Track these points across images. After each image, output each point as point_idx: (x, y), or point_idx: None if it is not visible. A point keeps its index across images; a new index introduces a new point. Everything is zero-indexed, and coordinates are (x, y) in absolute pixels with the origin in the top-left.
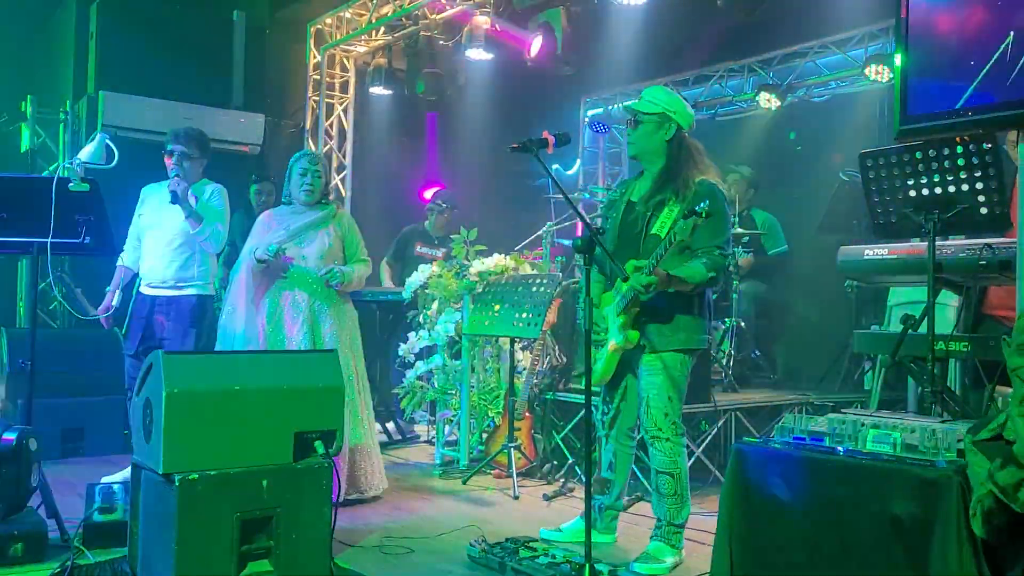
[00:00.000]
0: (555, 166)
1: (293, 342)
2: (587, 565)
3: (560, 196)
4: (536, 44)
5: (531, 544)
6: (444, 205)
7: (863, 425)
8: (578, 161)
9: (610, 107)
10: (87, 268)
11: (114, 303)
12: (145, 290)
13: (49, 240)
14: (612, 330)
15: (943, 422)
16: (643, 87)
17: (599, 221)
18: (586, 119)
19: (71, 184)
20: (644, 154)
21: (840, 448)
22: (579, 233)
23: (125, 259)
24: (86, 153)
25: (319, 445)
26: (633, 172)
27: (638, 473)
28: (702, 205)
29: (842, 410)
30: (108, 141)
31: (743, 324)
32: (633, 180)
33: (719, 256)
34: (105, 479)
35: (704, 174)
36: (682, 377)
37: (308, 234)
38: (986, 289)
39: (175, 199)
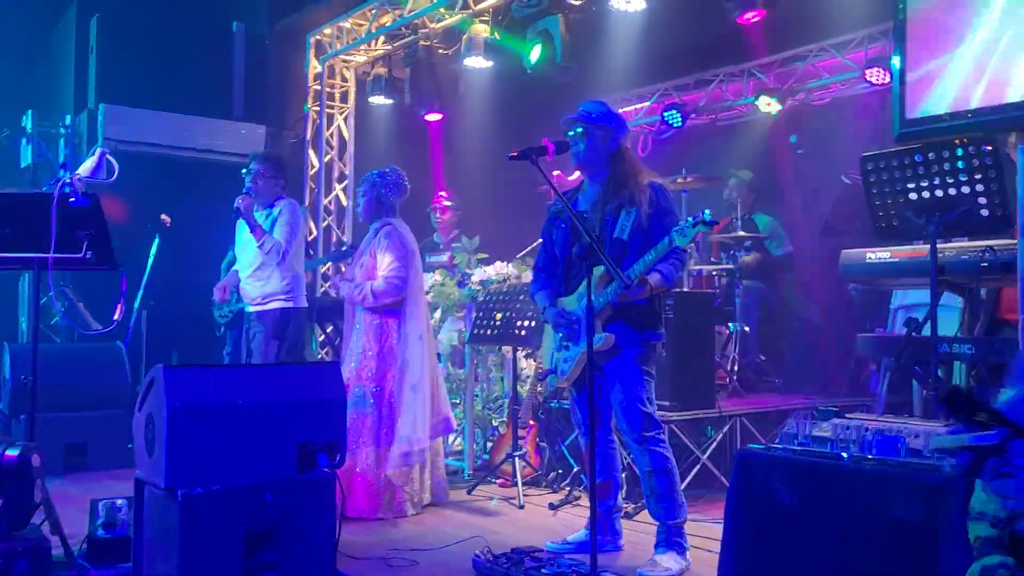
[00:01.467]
0: (556, 172)
1: None
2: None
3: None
4: (535, 52)
5: (536, 555)
6: (446, 203)
7: (867, 430)
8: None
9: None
10: (89, 282)
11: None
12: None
13: (51, 256)
14: (581, 333)
15: (947, 426)
16: (644, 92)
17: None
18: None
19: (71, 199)
20: (590, 165)
21: (844, 454)
22: None
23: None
24: (85, 168)
25: (322, 457)
26: None
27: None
28: (707, 213)
29: (847, 415)
30: (108, 155)
31: (747, 329)
32: (574, 193)
33: (683, 253)
34: None
35: (650, 177)
36: (651, 371)
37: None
38: (999, 292)
39: (237, 214)
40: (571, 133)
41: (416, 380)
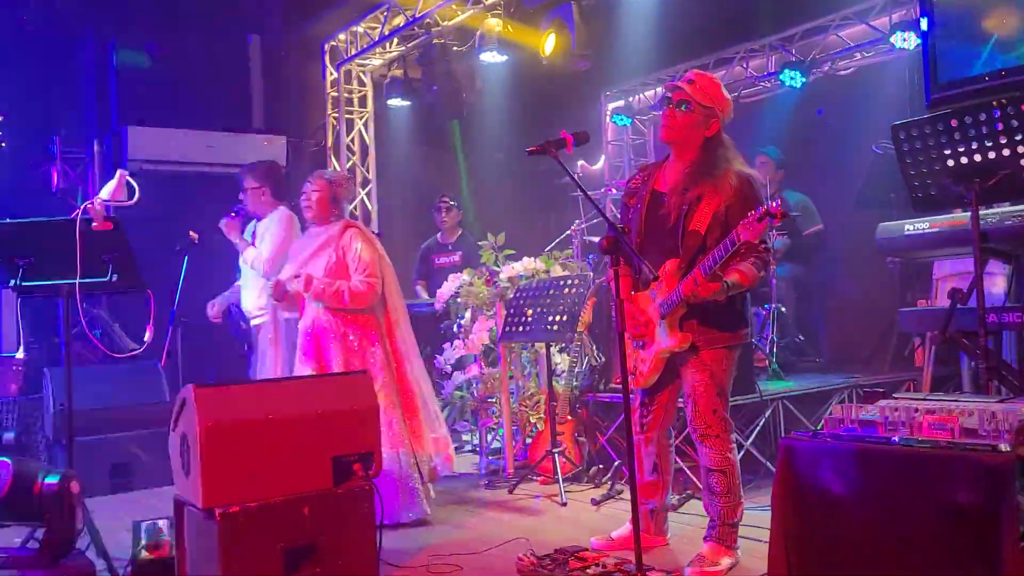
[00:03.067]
0: (580, 162)
1: None
2: (638, 575)
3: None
4: (550, 42)
5: (581, 554)
6: (451, 203)
7: (917, 411)
8: (603, 157)
9: (630, 99)
10: (126, 303)
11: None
12: None
13: (77, 281)
14: (659, 332)
15: (1001, 401)
16: (663, 76)
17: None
18: (608, 113)
19: (93, 223)
20: (681, 142)
21: (894, 437)
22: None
23: None
24: (107, 191)
25: (358, 468)
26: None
27: (687, 471)
28: (776, 205)
29: (894, 395)
30: (128, 178)
31: (784, 309)
32: (656, 167)
33: (764, 252)
34: None
35: (740, 166)
36: (727, 373)
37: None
38: None
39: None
40: (670, 104)
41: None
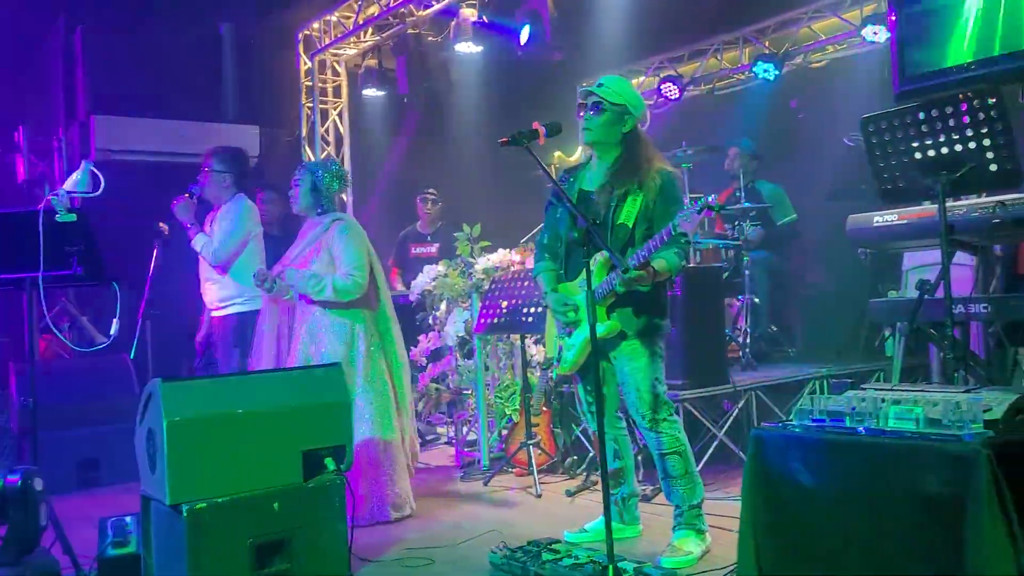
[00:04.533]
0: (556, 153)
1: None
2: (610, 566)
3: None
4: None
5: (554, 546)
6: (436, 195)
7: (884, 401)
8: (579, 148)
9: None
10: (93, 294)
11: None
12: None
13: (40, 274)
14: (584, 320)
15: (967, 391)
16: (638, 68)
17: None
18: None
19: (57, 215)
20: (601, 143)
21: (861, 428)
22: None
23: None
24: (71, 182)
25: (329, 462)
26: None
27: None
28: (712, 198)
29: (862, 386)
30: (92, 168)
31: (757, 300)
32: (580, 170)
33: (685, 243)
34: None
35: (661, 164)
36: (660, 356)
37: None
38: (1017, 248)
39: (174, 217)
40: (587, 109)
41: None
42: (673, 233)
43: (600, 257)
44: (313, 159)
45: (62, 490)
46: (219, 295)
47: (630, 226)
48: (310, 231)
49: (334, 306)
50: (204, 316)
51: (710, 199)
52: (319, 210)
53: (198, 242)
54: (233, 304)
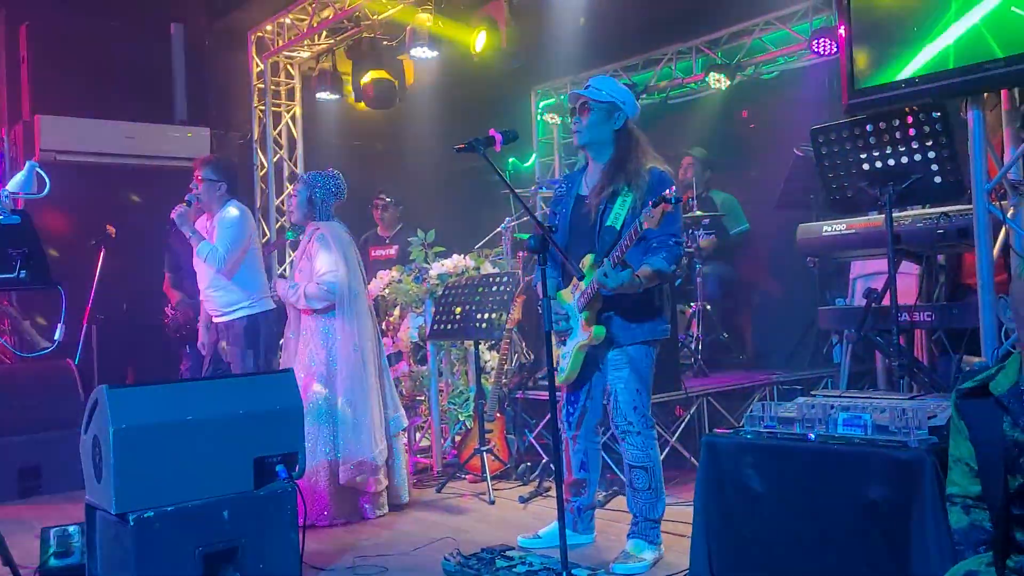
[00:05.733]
0: (511, 159)
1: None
2: (564, 573)
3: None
4: (480, 39)
5: (507, 553)
6: (387, 200)
7: (833, 408)
8: (534, 154)
9: (562, 96)
10: (36, 298)
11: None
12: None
13: None
14: (576, 327)
15: (913, 398)
16: (593, 74)
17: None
18: (538, 110)
19: (0, 217)
20: (593, 144)
21: (811, 435)
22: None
23: None
24: (15, 183)
25: (281, 469)
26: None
27: (613, 467)
28: (672, 191)
29: (811, 392)
30: (38, 169)
31: (709, 307)
32: (578, 174)
33: (676, 247)
34: None
35: (653, 162)
36: (648, 369)
37: None
38: (960, 258)
39: (173, 225)
40: (575, 109)
41: (355, 388)
42: (638, 233)
43: (586, 260)
44: (265, 162)
45: (2, 499)
46: (224, 300)
47: (618, 228)
48: (304, 241)
49: (322, 311)
50: (200, 324)
51: (668, 192)
52: (312, 220)
53: (203, 251)
54: (240, 308)
